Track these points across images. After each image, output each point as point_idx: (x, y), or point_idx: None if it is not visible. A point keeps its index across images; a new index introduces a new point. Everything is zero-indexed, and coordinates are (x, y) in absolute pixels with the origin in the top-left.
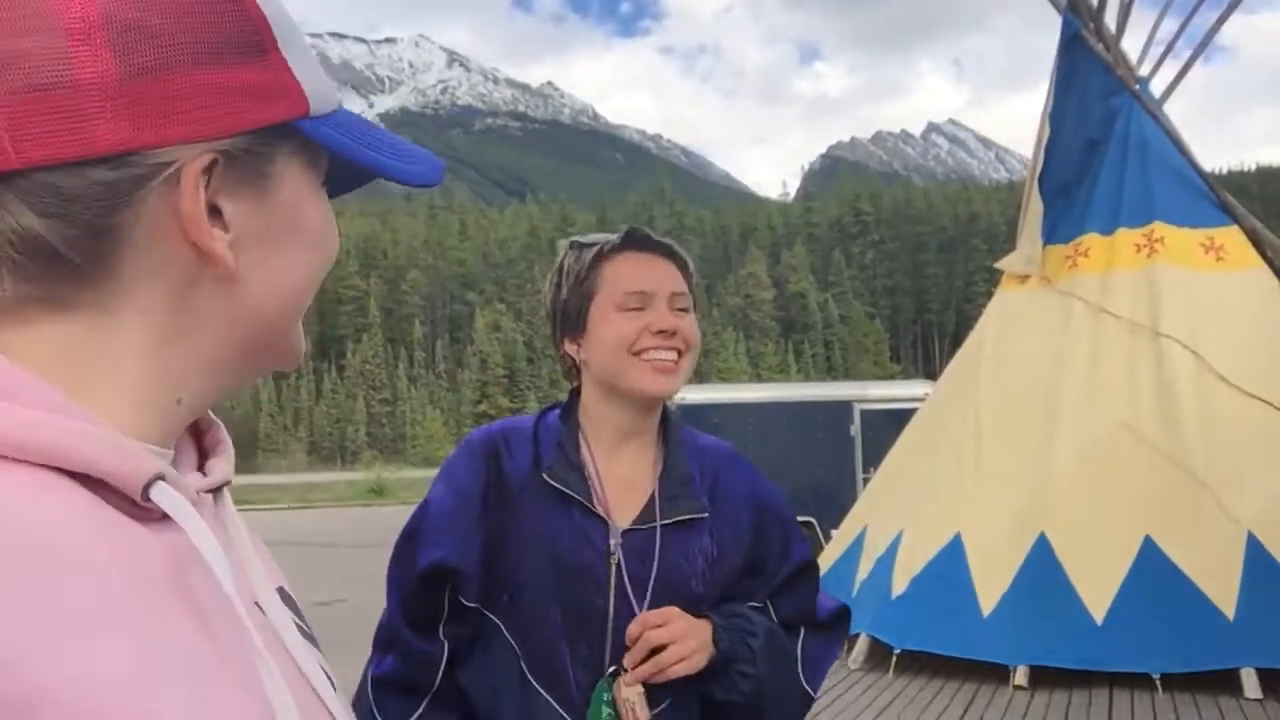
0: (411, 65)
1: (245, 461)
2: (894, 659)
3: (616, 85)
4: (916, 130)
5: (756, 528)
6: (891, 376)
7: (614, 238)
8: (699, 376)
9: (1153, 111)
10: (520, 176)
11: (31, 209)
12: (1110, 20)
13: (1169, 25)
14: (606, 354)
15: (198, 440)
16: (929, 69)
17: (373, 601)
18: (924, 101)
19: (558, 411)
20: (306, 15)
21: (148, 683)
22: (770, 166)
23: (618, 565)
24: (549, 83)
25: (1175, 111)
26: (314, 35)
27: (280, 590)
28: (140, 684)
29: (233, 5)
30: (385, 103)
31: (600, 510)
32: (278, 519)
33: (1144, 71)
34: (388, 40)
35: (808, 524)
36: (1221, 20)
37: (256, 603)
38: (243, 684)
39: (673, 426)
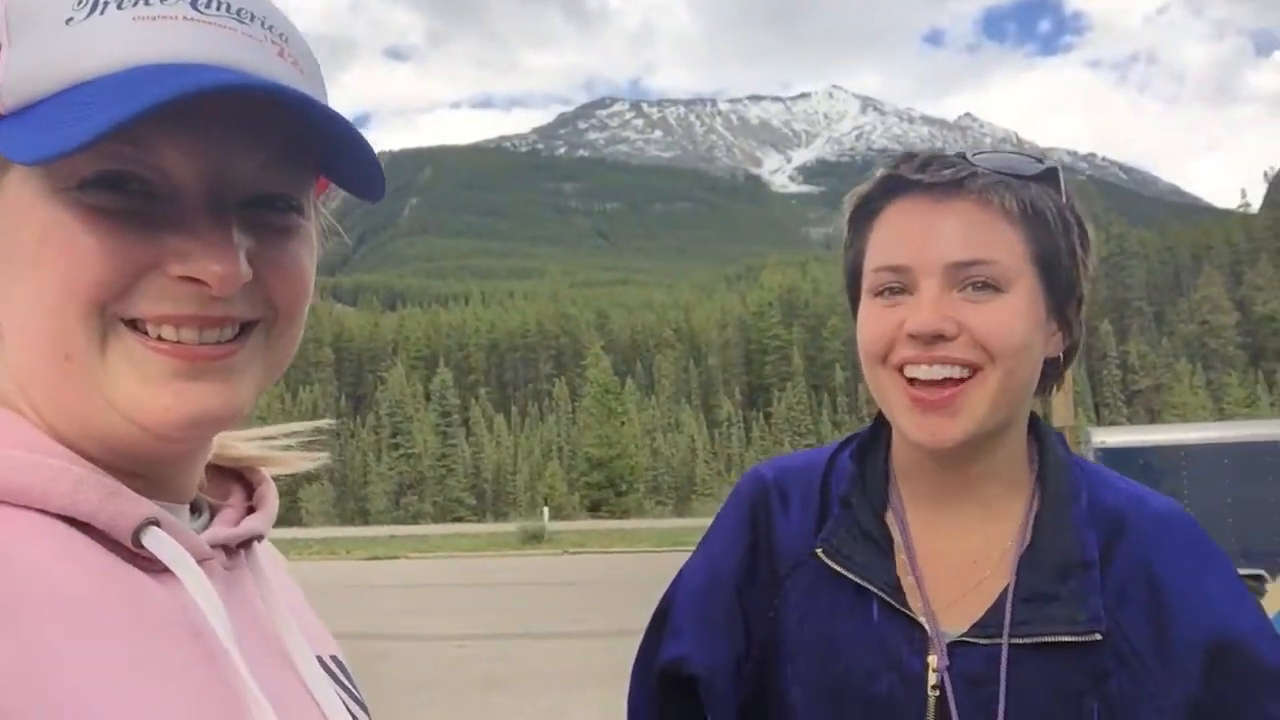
0: (826, 116)
1: (683, 506)
2: None
3: (1040, 108)
4: None
5: (1210, 670)
6: None
7: (880, 172)
8: (1150, 415)
9: None
10: None
11: None
12: None
13: None
14: (865, 369)
15: (249, 493)
16: None
17: None
18: None
19: (854, 446)
20: (726, 84)
21: None
22: (1225, 175)
23: (939, 699)
24: (966, 114)
25: None
26: (733, 100)
27: (334, 658)
28: None
29: None
30: (802, 156)
31: (914, 609)
32: None
33: None
34: (802, 95)
35: (1257, 577)
36: None
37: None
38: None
39: (1057, 473)
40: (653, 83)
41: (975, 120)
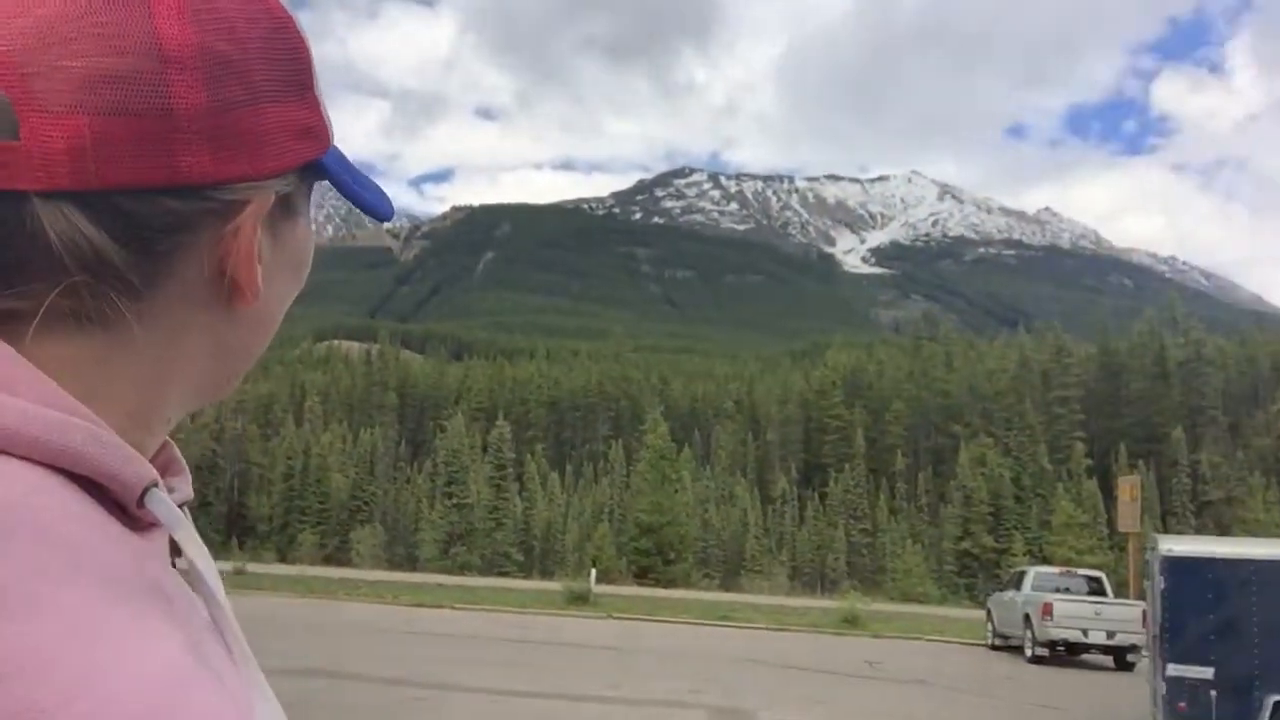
0: (903, 201)
1: (731, 580)
2: None
3: (1122, 207)
4: None
5: None
6: None
7: None
8: (1220, 528)
9: None
10: (1014, 305)
11: (99, 226)
12: None
13: None
14: None
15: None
16: None
17: None
18: None
19: None
20: (804, 162)
21: (166, 683)
22: None
23: None
24: (1046, 208)
25: None
26: (810, 179)
27: None
28: (163, 683)
29: (289, 42)
30: (876, 237)
31: None
32: (750, 637)
33: None
34: (880, 179)
35: None
36: None
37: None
38: (259, 691)
39: None
40: (732, 157)
41: (1055, 215)
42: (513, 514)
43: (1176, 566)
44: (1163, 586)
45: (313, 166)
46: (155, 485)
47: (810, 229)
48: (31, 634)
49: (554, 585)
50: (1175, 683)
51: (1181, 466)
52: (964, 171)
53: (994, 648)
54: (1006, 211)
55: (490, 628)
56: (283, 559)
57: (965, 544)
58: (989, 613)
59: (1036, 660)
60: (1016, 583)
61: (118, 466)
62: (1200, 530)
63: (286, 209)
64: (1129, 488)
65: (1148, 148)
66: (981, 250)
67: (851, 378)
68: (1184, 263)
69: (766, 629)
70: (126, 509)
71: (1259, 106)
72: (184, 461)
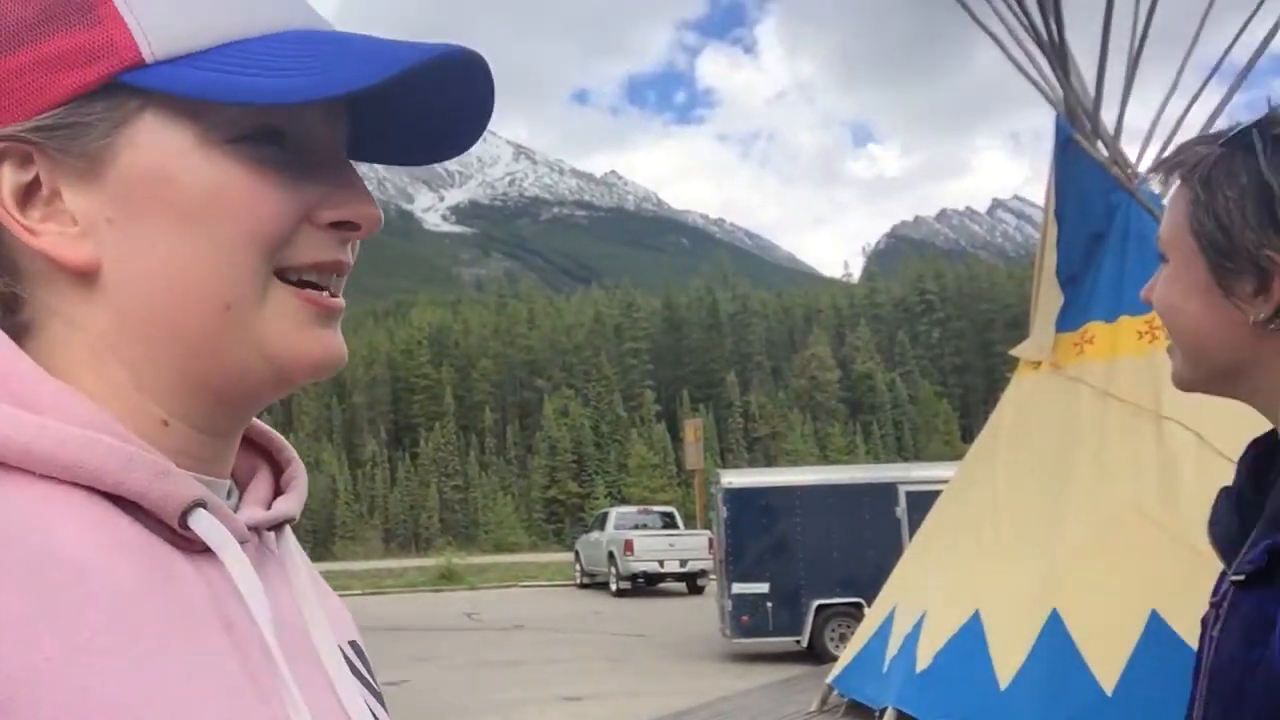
0: (480, 159)
1: (324, 549)
2: None
3: (677, 172)
4: (981, 207)
5: None
6: (962, 456)
7: None
8: (768, 459)
9: (1149, 209)
10: (587, 263)
11: None
12: (1108, 118)
13: (1174, 111)
14: None
15: (276, 475)
16: (985, 145)
17: (436, 682)
18: (985, 178)
19: None
20: None
21: (165, 711)
22: (833, 247)
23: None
24: (612, 171)
25: None
26: None
27: (352, 644)
28: (158, 712)
29: None
30: (455, 195)
31: None
32: (348, 605)
33: (1148, 162)
34: None
35: (857, 604)
36: (1222, 104)
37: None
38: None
39: None
40: None
41: (620, 178)
42: None
43: (736, 497)
44: (725, 516)
45: (125, 85)
46: (202, 505)
47: (388, 185)
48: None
49: None
50: (739, 599)
51: (735, 407)
52: (536, 133)
53: (583, 586)
54: (577, 173)
55: None
56: None
57: (553, 491)
58: (577, 554)
59: (621, 594)
60: (600, 524)
61: (145, 484)
62: (753, 463)
63: (82, 148)
64: (692, 429)
65: (697, 118)
66: (556, 210)
67: (438, 336)
68: (731, 224)
69: (364, 594)
70: (172, 528)
71: (785, 85)
72: (302, 478)
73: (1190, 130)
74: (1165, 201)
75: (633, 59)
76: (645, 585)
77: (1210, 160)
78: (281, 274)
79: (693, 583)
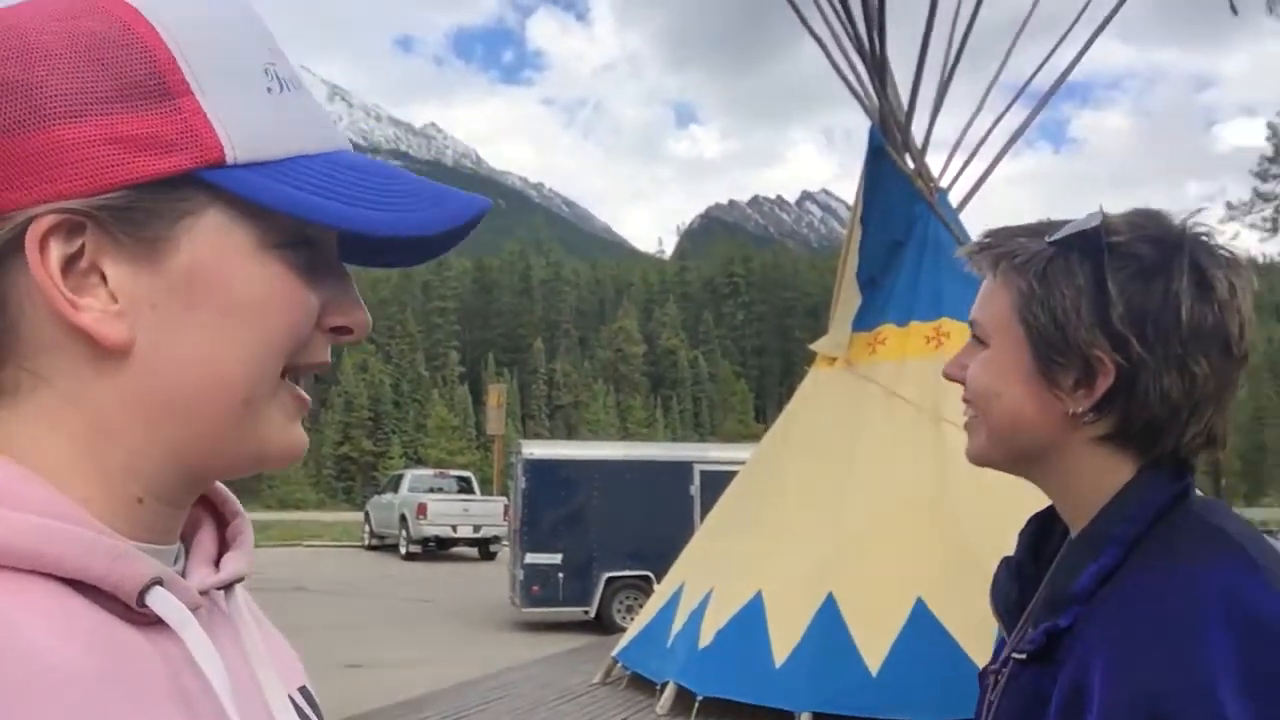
0: None
1: None
2: (696, 705)
3: (499, 132)
4: (791, 197)
5: None
6: (755, 436)
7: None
8: (569, 428)
9: (945, 220)
10: None
11: None
12: (918, 130)
13: (980, 128)
14: None
15: (221, 529)
16: (801, 138)
17: None
18: (797, 170)
19: None
20: None
21: None
22: (650, 223)
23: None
24: (432, 124)
25: (1025, 196)
26: None
27: (302, 689)
28: None
29: (126, 52)
30: None
31: None
32: None
33: (951, 175)
34: None
35: (645, 578)
36: (1024, 125)
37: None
38: None
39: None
40: None
41: (440, 131)
42: None
43: (535, 468)
44: (524, 486)
45: (203, 181)
46: (159, 582)
47: None
48: None
49: None
50: (531, 569)
51: (540, 374)
52: (354, 75)
53: (371, 548)
54: (395, 122)
55: None
56: None
57: (345, 449)
58: (367, 515)
59: (410, 557)
60: (394, 485)
61: (103, 569)
62: (554, 431)
63: (143, 232)
64: (496, 394)
65: (524, 79)
66: (372, 158)
67: None
68: (550, 189)
69: None
70: (130, 608)
71: (614, 57)
72: (248, 534)
73: (994, 146)
74: (979, 276)
75: (462, 10)
76: (436, 549)
77: (1044, 257)
78: (286, 372)
79: (485, 549)
